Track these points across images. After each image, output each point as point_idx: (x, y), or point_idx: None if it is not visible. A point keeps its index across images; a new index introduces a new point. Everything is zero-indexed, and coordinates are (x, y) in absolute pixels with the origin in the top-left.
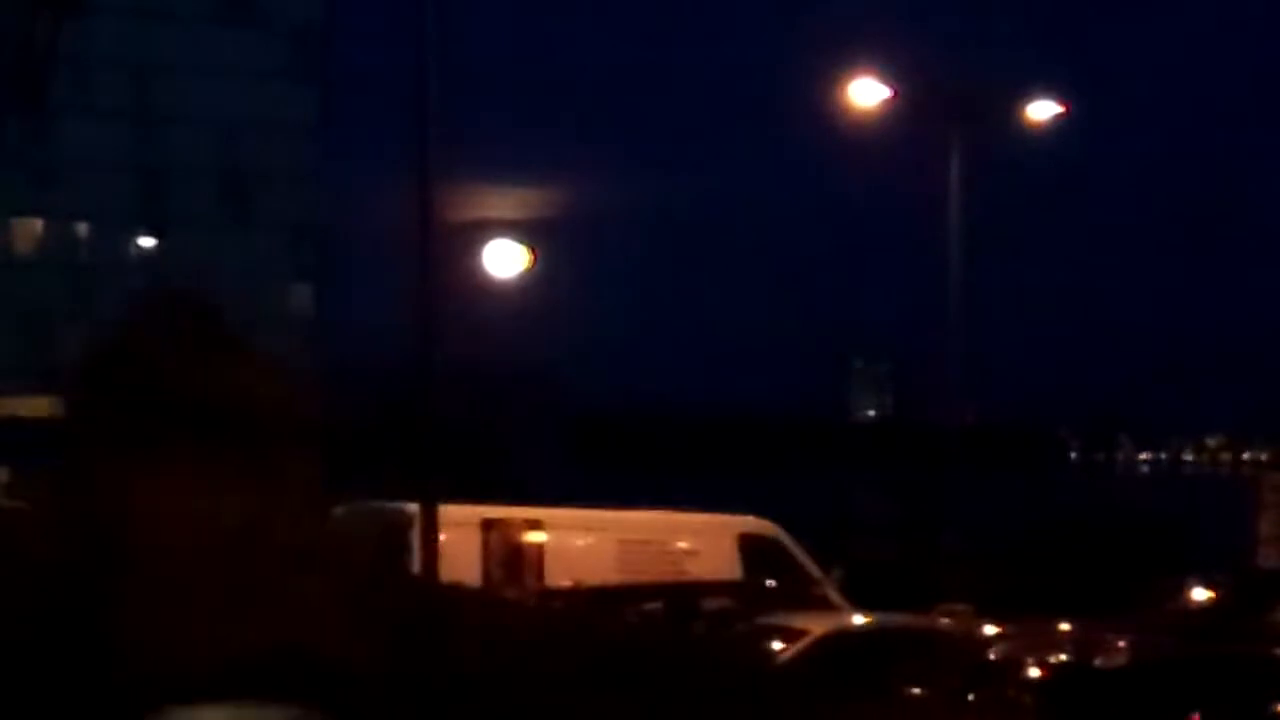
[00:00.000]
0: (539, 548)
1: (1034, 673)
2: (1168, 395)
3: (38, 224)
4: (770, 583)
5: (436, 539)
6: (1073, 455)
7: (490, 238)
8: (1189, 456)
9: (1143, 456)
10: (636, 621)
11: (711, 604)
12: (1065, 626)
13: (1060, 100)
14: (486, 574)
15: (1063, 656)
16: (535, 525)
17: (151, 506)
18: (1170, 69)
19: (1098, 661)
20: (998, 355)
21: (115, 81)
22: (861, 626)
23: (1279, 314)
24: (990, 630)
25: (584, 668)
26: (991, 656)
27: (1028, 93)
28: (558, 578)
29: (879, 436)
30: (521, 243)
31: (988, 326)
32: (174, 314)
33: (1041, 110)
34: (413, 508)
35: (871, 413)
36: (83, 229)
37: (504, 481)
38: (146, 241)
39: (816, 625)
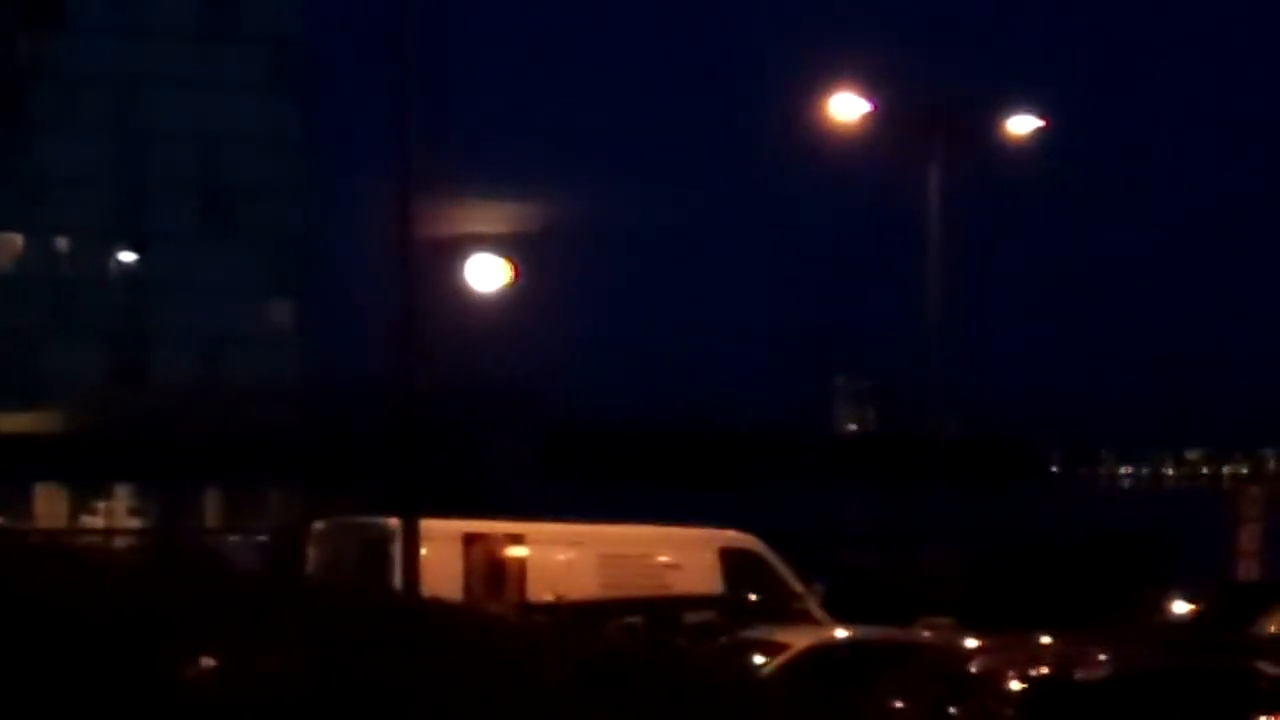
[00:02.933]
0: (520, 562)
1: (1015, 685)
2: (1148, 409)
3: (19, 239)
4: (752, 596)
5: (418, 554)
6: (1054, 469)
7: (472, 252)
8: (1169, 470)
9: (1124, 470)
10: (619, 636)
11: (693, 618)
12: (1046, 639)
13: (1041, 114)
14: (468, 589)
15: (1044, 669)
16: (517, 540)
17: None
18: (1153, 82)
19: (1078, 674)
20: (979, 369)
21: (96, 96)
22: (843, 639)
23: (1260, 329)
24: (971, 643)
25: (565, 682)
26: (972, 669)
27: (1008, 106)
28: (539, 592)
29: (861, 450)
30: (503, 257)
31: (969, 341)
32: None
33: (1022, 124)
34: (394, 522)
35: (853, 427)
36: (64, 243)
37: (485, 496)
38: (128, 256)
39: (798, 638)
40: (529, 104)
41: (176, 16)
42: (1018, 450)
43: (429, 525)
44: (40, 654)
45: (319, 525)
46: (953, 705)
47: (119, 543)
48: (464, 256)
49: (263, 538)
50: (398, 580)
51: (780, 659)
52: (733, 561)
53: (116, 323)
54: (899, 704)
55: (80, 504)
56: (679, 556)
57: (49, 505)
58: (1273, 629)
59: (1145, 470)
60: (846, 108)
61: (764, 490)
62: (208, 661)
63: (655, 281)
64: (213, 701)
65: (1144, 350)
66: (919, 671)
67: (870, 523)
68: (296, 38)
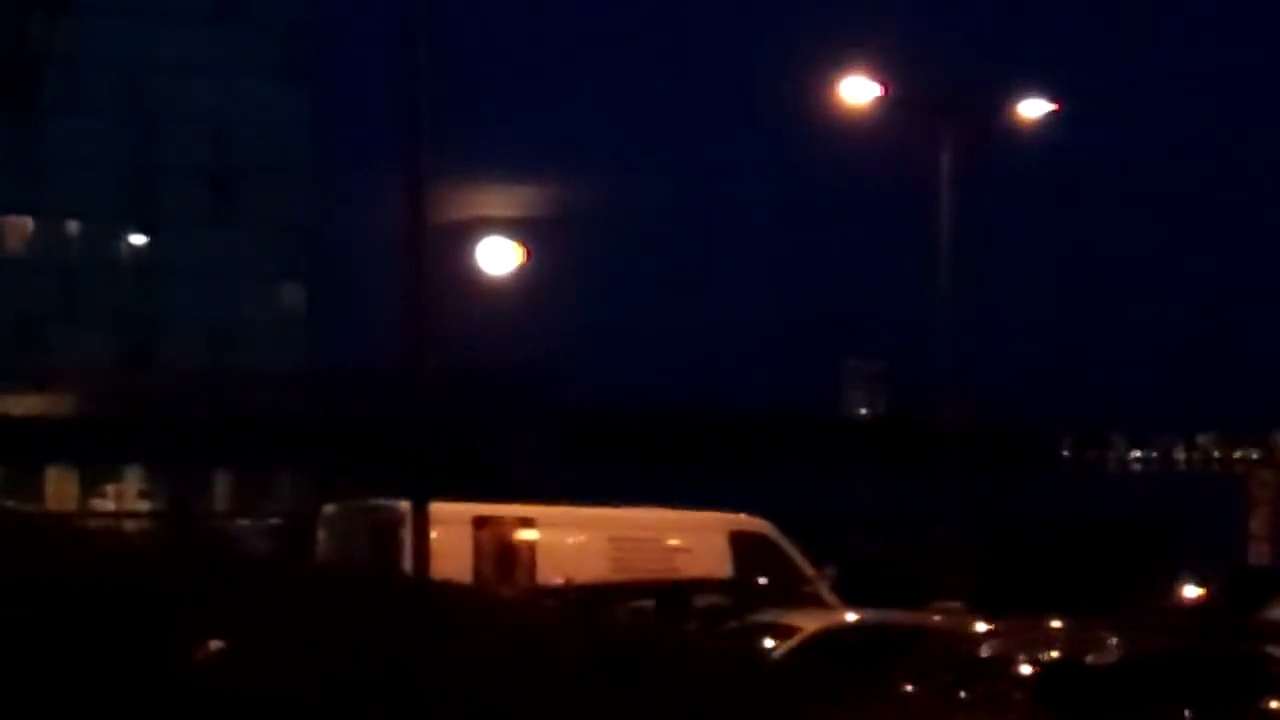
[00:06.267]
0: (531, 545)
1: (1025, 670)
2: (1159, 394)
3: (28, 222)
4: (762, 580)
5: (428, 537)
6: (1065, 454)
7: (483, 235)
8: (1180, 455)
9: (1134, 455)
10: (629, 619)
11: (703, 601)
12: (1057, 624)
13: (1052, 98)
14: (478, 572)
15: (1054, 653)
16: (527, 523)
17: None
18: (1166, 65)
19: (1089, 659)
20: (990, 354)
21: (106, 80)
22: (853, 624)
23: (1271, 312)
24: (982, 627)
25: (578, 664)
26: (983, 653)
27: (1020, 90)
28: (550, 575)
29: (871, 435)
30: (515, 240)
31: (981, 325)
32: None
33: (1034, 108)
34: (404, 506)
35: (864, 411)
36: (73, 227)
37: (496, 479)
38: (137, 240)
39: (808, 622)
40: (541, 87)
41: (186, 0)
42: (1028, 435)
43: (439, 508)
44: (52, 635)
45: (329, 509)
46: (963, 689)
47: (129, 526)
48: (476, 240)
49: (273, 521)
50: (408, 563)
51: (790, 643)
52: (743, 545)
53: (125, 307)
54: (910, 688)
55: (90, 487)
56: (689, 540)
57: (59, 488)
58: None
59: (1156, 455)
60: (858, 92)
61: (774, 474)
62: (216, 643)
63: (666, 265)
64: (221, 683)
65: (1155, 335)
66: (930, 655)
67: (880, 507)
68: (307, 22)
